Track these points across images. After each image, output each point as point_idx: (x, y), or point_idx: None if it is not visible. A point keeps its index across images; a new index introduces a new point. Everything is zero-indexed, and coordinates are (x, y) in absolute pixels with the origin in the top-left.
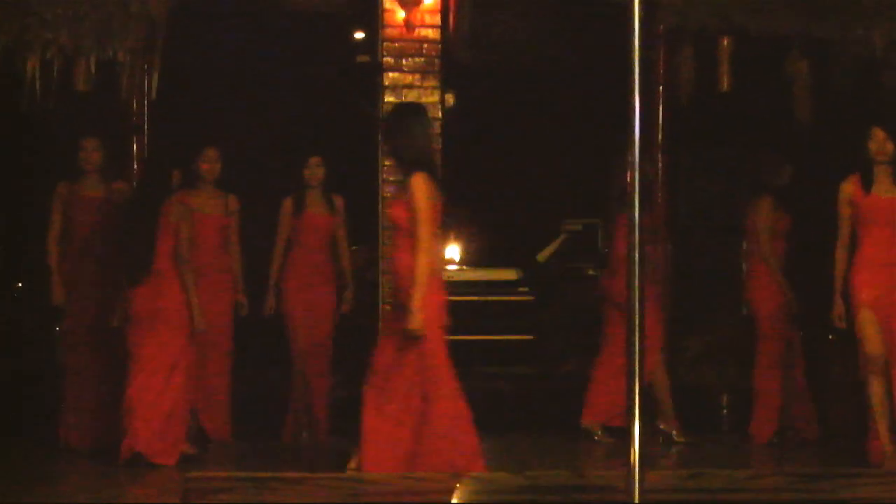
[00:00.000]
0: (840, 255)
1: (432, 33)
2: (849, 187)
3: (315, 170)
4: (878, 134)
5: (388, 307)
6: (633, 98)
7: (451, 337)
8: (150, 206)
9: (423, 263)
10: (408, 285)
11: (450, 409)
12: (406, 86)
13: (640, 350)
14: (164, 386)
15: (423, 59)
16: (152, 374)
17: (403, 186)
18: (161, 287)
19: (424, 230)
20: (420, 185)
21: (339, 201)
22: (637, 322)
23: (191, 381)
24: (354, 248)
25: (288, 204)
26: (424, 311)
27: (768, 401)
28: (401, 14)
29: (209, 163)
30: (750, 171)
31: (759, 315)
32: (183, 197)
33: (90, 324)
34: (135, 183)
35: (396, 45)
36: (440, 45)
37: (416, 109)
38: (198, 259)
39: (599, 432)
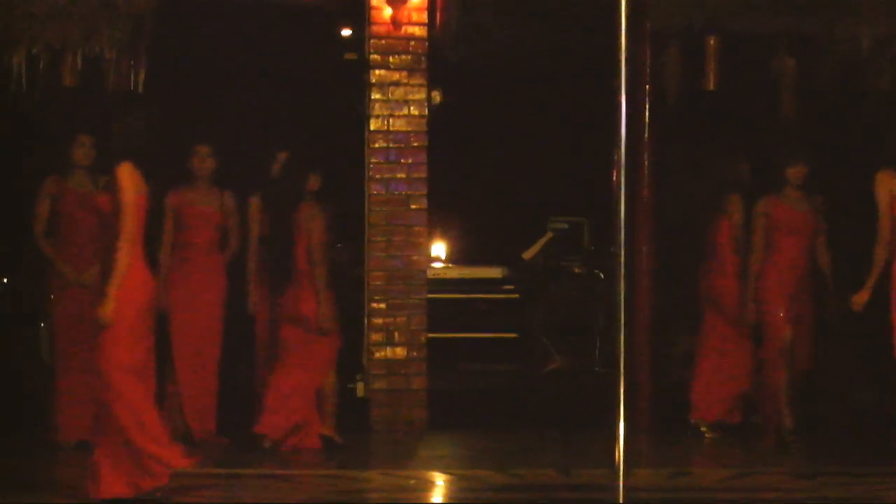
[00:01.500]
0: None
1: (419, 31)
2: (884, 178)
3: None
4: None
5: (374, 304)
6: (620, 97)
7: (437, 334)
8: (285, 213)
9: (123, 253)
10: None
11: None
12: (393, 83)
13: (625, 347)
14: (310, 382)
15: (409, 57)
16: (304, 373)
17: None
18: (301, 289)
19: (128, 220)
20: (126, 176)
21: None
22: (623, 319)
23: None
24: (339, 245)
25: (256, 202)
26: (118, 302)
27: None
28: (388, 11)
29: (200, 159)
30: (758, 168)
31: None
32: (176, 193)
33: (81, 317)
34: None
35: (383, 42)
36: (427, 43)
37: (132, 98)
38: (188, 255)
39: (705, 429)
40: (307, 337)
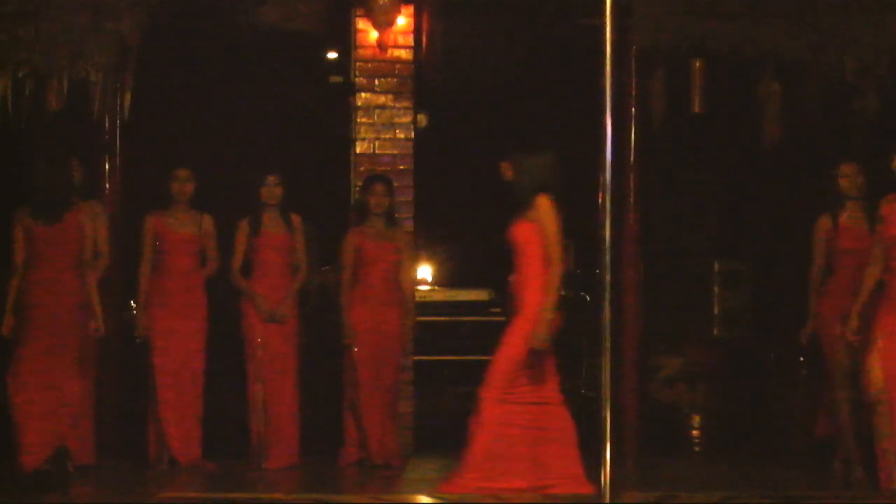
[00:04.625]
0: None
1: (405, 54)
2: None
3: (273, 188)
4: None
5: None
6: (606, 119)
7: (424, 357)
8: None
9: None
10: None
11: None
12: (378, 106)
13: (611, 370)
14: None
15: (395, 80)
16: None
17: None
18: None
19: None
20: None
21: (296, 220)
22: (608, 341)
23: None
24: (326, 267)
25: (244, 224)
26: None
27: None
28: (374, 35)
29: (180, 183)
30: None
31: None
32: (155, 217)
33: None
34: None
35: (369, 65)
36: (413, 66)
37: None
38: (169, 280)
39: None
40: None
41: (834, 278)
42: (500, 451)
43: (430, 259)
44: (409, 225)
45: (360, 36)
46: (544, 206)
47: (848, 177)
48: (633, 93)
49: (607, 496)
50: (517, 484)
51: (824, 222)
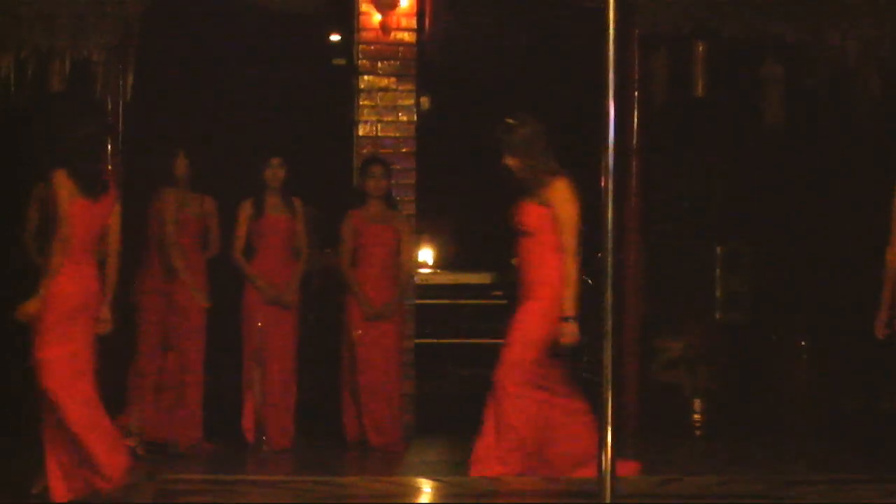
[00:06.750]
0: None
1: (408, 37)
2: None
3: (276, 171)
4: None
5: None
6: (608, 102)
7: (425, 340)
8: None
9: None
10: None
11: None
12: (381, 89)
13: (613, 353)
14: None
15: (398, 63)
16: None
17: None
18: None
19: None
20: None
21: (298, 203)
22: (610, 325)
23: None
24: (328, 250)
25: (247, 206)
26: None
27: None
28: (377, 17)
29: (176, 164)
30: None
31: None
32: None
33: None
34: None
35: (372, 48)
36: (416, 49)
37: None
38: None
39: None
40: None
41: None
42: None
43: (431, 242)
44: (411, 208)
45: (363, 18)
46: (59, 182)
47: None
48: (636, 76)
49: (608, 478)
50: None
51: None
